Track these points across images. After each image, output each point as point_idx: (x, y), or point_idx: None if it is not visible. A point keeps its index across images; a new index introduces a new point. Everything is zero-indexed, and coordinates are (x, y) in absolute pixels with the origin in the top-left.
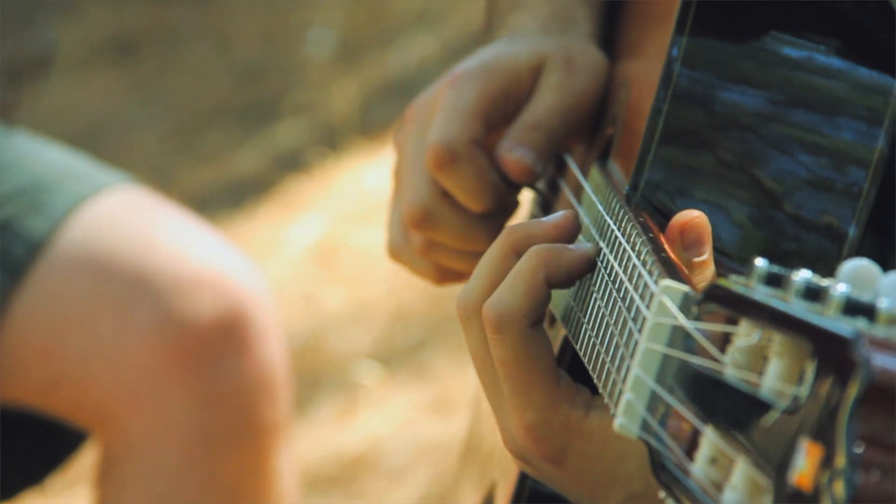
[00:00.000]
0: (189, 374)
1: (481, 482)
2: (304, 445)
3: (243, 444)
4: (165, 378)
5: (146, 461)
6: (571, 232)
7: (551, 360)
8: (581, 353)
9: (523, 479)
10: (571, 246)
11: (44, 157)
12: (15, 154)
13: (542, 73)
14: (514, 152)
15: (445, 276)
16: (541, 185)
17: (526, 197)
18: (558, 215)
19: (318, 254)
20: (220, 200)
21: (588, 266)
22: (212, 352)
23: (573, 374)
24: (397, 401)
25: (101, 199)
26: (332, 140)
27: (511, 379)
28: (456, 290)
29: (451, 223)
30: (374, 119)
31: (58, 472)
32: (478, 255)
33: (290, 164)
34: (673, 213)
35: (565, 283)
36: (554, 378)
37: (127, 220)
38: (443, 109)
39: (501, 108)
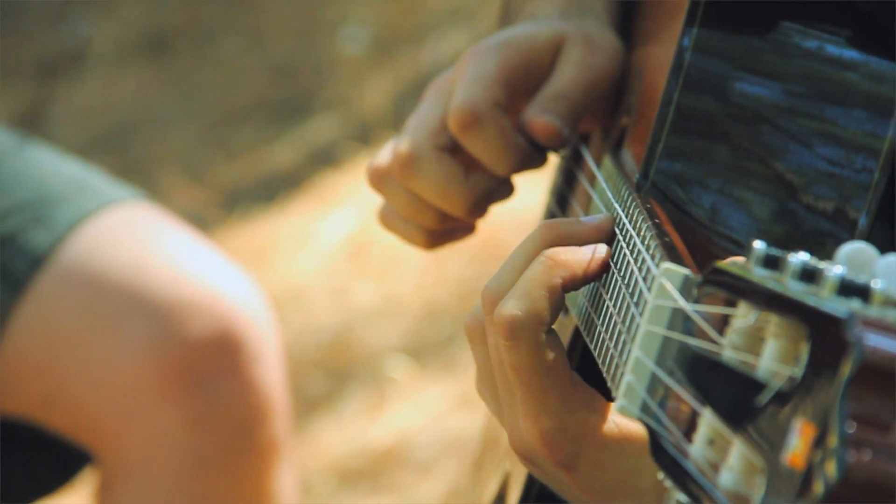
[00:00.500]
0: (181, 395)
1: (497, 471)
2: (333, 438)
3: (237, 465)
4: (157, 398)
5: (138, 480)
6: (610, 236)
7: (566, 364)
8: (588, 340)
9: None
10: (586, 249)
11: (53, 169)
12: (24, 166)
13: (562, 50)
14: (542, 116)
15: (434, 240)
16: (565, 152)
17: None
18: (600, 218)
19: (349, 248)
20: (252, 195)
21: (603, 270)
22: (205, 373)
23: (583, 371)
24: (426, 394)
25: (106, 215)
26: (365, 136)
27: (525, 385)
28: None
29: (433, 176)
30: (406, 115)
31: (71, 483)
32: (439, 215)
33: (323, 160)
34: (684, 201)
35: (580, 287)
36: (570, 383)
37: (128, 237)
38: (464, 77)
39: (522, 81)
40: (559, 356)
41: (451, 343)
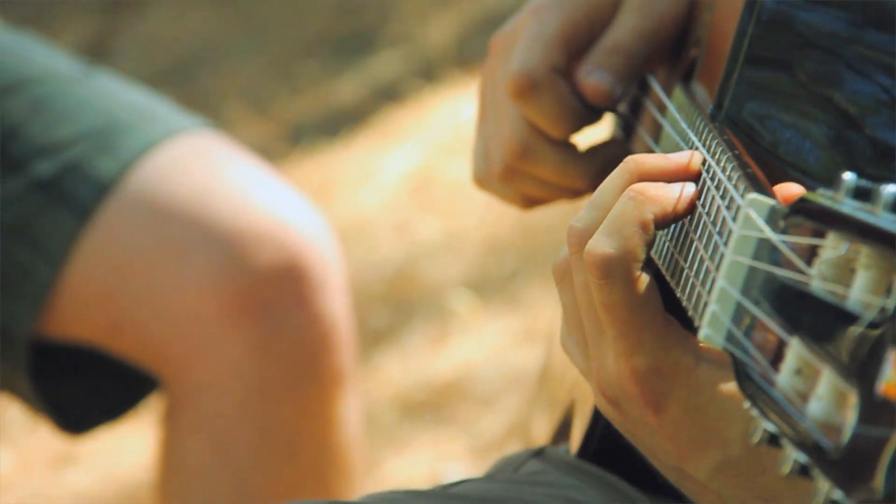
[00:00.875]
0: (247, 322)
1: (554, 403)
2: (396, 371)
3: (302, 393)
4: (223, 326)
5: (204, 407)
6: (697, 175)
7: (660, 302)
8: (663, 269)
9: None
10: (675, 186)
11: (121, 97)
12: (92, 94)
13: None
14: (592, 76)
15: (532, 202)
16: (621, 108)
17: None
18: (686, 155)
19: (412, 183)
20: (316, 130)
21: (691, 208)
22: (270, 301)
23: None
24: (489, 329)
25: (172, 143)
26: (429, 72)
27: (619, 324)
28: (548, 222)
29: (549, 158)
30: (470, 51)
31: (137, 408)
32: (566, 191)
33: (387, 95)
34: (757, 132)
35: (669, 225)
36: (664, 321)
37: (195, 166)
38: (524, 38)
39: (585, 36)
40: (653, 294)
41: (514, 278)
